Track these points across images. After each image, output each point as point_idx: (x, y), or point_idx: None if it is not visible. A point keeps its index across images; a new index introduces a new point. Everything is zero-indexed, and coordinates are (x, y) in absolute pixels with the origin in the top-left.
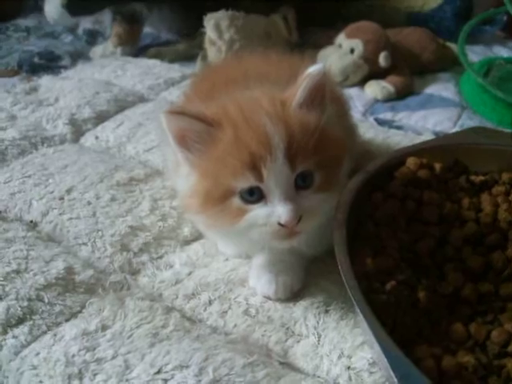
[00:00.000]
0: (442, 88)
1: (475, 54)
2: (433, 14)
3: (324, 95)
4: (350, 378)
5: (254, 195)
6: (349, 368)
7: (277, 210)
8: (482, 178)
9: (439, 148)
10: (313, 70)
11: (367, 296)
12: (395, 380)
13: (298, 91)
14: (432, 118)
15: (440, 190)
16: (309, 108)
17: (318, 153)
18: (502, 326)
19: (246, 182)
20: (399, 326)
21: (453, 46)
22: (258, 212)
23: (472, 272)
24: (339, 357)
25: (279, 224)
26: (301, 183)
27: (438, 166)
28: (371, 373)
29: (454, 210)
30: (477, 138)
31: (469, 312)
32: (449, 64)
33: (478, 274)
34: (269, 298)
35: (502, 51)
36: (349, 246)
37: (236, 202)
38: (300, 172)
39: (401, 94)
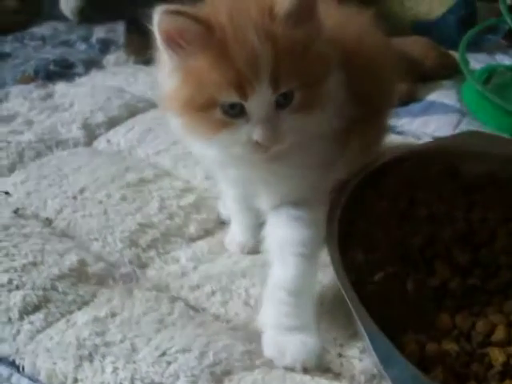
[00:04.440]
0: (443, 95)
1: (478, 62)
2: (437, 22)
3: (314, 9)
4: (341, 365)
5: (236, 109)
6: (340, 355)
7: (256, 130)
8: (473, 179)
9: (433, 150)
10: None
11: (356, 286)
12: (377, 362)
13: (285, 1)
14: (432, 123)
15: (432, 191)
16: (297, 21)
17: (302, 72)
18: (487, 317)
19: (229, 97)
20: (387, 315)
21: (455, 54)
22: (237, 127)
23: (460, 267)
24: (331, 345)
25: (257, 143)
26: (281, 102)
27: (430, 168)
28: (361, 360)
29: (444, 209)
30: (470, 142)
31: (455, 304)
32: (451, 72)
33: (465, 269)
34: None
35: (504, 59)
36: (341, 242)
37: (217, 113)
38: (282, 92)
39: (403, 101)
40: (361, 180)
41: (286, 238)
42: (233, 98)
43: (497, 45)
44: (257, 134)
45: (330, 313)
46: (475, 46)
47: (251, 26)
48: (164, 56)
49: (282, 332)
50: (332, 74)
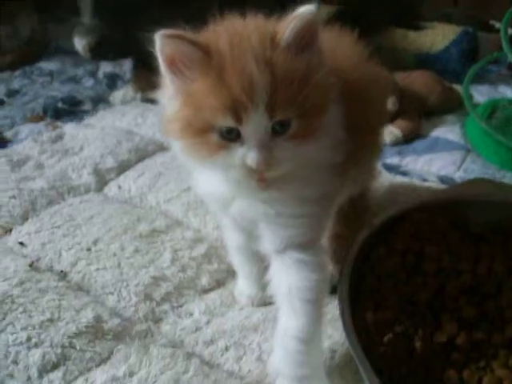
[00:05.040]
0: (447, 131)
1: (481, 94)
2: (440, 55)
3: (314, 38)
4: None
5: (233, 134)
6: None
7: (249, 155)
8: (480, 229)
9: (440, 202)
10: (303, 10)
11: (367, 349)
12: None
13: (286, 30)
14: (437, 162)
15: (440, 243)
16: (297, 51)
17: (300, 101)
18: (494, 372)
19: (225, 122)
20: (396, 375)
21: (459, 87)
22: (234, 151)
23: (466, 321)
24: None
25: (251, 168)
26: (277, 129)
27: (438, 220)
28: None
29: (452, 262)
30: (477, 191)
31: (462, 359)
32: (455, 106)
33: (472, 322)
34: None
35: (507, 90)
36: (351, 299)
37: (214, 137)
38: (278, 120)
39: (408, 138)
40: (370, 235)
41: (292, 284)
42: (228, 122)
43: (499, 76)
44: (250, 158)
45: (339, 367)
46: (478, 78)
47: (250, 53)
48: (166, 80)
49: (294, 381)
50: (332, 105)
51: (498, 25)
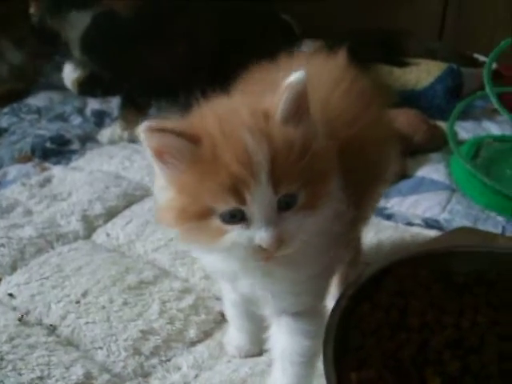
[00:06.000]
0: (432, 170)
1: (465, 131)
2: (425, 92)
3: (307, 105)
4: None
5: (236, 217)
6: None
7: (258, 234)
8: (463, 279)
9: (423, 253)
10: (293, 79)
11: None
12: None
13: (279, 103)
14: (423, 203)
15: (423, 297)
16: (293, 121)
17: (303, 171)
18: None
19: (227, 205)
20: None
21: (443, 124)
22: (238, 233)
23: (450, 375)
24: None
25: (260, 247)
26: (284, 204)
27: (421, 273)
28: None
29: (435, 316)
30: (459, 241)
31: None
32: (440, 144)
33: (456, 377)
34: None
35: (491, 126)
36: (336, 358)
37: (215, 221)
38: (284, 194)
39: (394, 179)
40: (355, 291)
41: (285, 347)
42: (230, 204)
43: (483, 111)
44: (260, 238)
45: None
46: (462, 114)
47: (244, 129)
48: (156, 169)
49: None
50: (336, 169)
51: (482, 58)
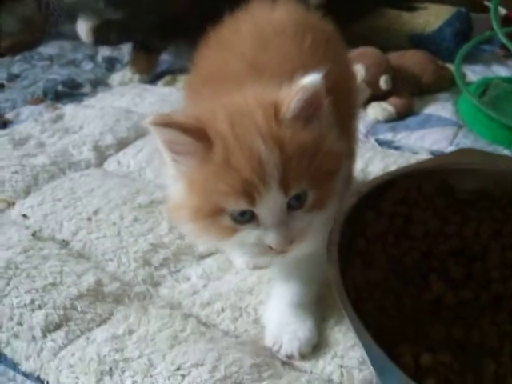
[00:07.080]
0: (440, 108)
1: (474, 74)
2: (433, 35)
3: (320, 107)
4: (341, 375)
5: (246, 216)
6: (341, 366)
7: (268, 234)
8: (467, 196)
9: (427, 169)
10: (308, 81)
11: (356, 304)
12: (373, 372)
13: (292, 103)
14: (429, 137)
15: (427, 208)
16: (304, 122)
17: (312, 172)
18: (482, 327)
19: (238, 205)
20: (385, 328)
21: (452, 66)
22: (249, 232)
23: (454, 281)
24: (333, 357)
25: (270, 247)
26: (294, 204)
27: (425, 186)
28: (361, 370)
29: (438, 226)
30: (464, 159)
31: (450, 316)
32: (448, 85)
33: (459, 282)
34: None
35: (500, 70)
36: (341, 260)
37: (226, 220)
38: (293, 195)
39: (401, 115)
40: (358, 200)
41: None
42: (241, 205)
43: (493, 55)
44: (269, 238)
45: (331, 328)
46: (472, 58)
47: (256, 132)
48: (167, 159)
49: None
50: (343, 166)
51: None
